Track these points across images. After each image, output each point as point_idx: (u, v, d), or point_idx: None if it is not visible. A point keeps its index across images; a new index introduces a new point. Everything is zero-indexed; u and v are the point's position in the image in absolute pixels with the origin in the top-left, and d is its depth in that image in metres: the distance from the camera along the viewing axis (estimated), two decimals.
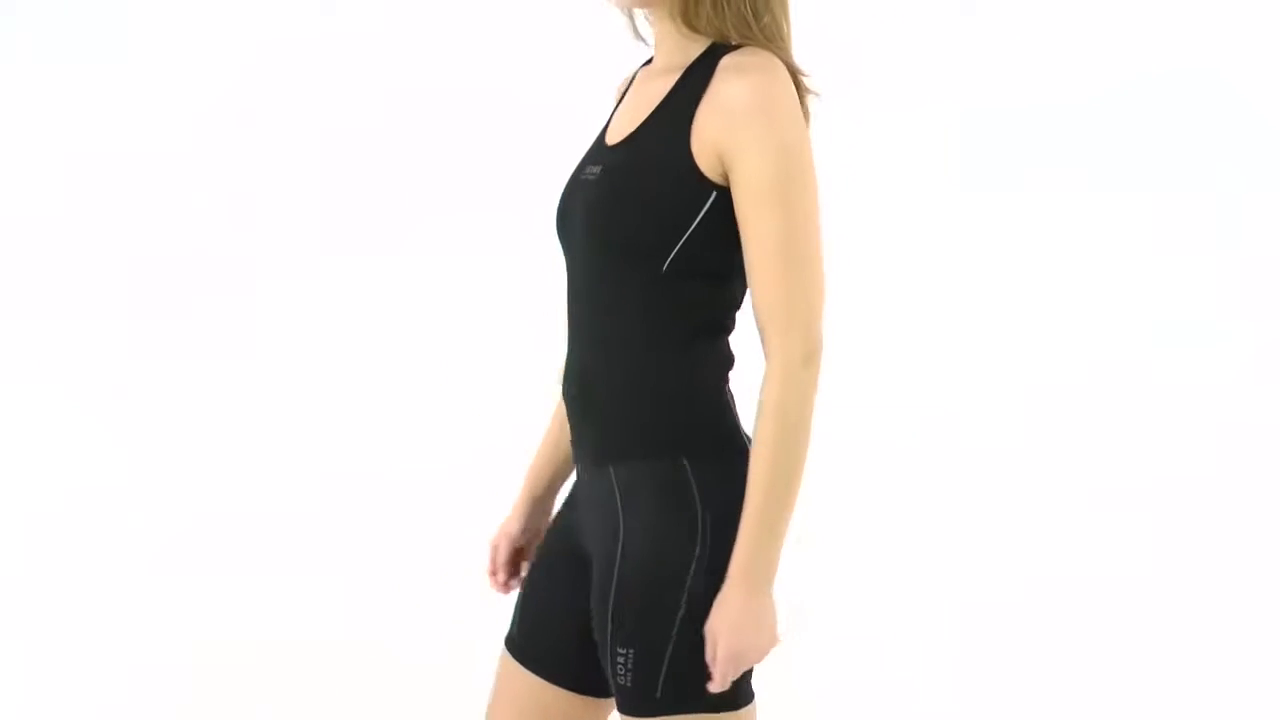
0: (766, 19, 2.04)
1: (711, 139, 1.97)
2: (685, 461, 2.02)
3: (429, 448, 3.94)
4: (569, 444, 2.20)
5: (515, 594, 2.33)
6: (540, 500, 2.35)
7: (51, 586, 3.77)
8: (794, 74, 2.03)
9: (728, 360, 2.09)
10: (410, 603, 3.70)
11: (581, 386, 2.10)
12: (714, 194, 1.97)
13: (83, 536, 3.87)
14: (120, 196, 4.18)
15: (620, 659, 2.01)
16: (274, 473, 3.95)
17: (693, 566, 1.98)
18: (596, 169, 2.08)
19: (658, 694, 2.00)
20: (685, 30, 2.05)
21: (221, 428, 4.03)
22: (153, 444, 4.02)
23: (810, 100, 2.04)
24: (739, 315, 2.09)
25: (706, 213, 1.98)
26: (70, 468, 3.97)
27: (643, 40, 2.18)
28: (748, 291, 2.03)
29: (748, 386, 2.06)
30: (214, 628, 3.66)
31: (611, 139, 2.11)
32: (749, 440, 2.03)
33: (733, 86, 1.98)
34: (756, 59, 1.99)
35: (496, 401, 3.89)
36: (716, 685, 1.96)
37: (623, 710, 2.05)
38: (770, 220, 1.95)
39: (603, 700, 2.21)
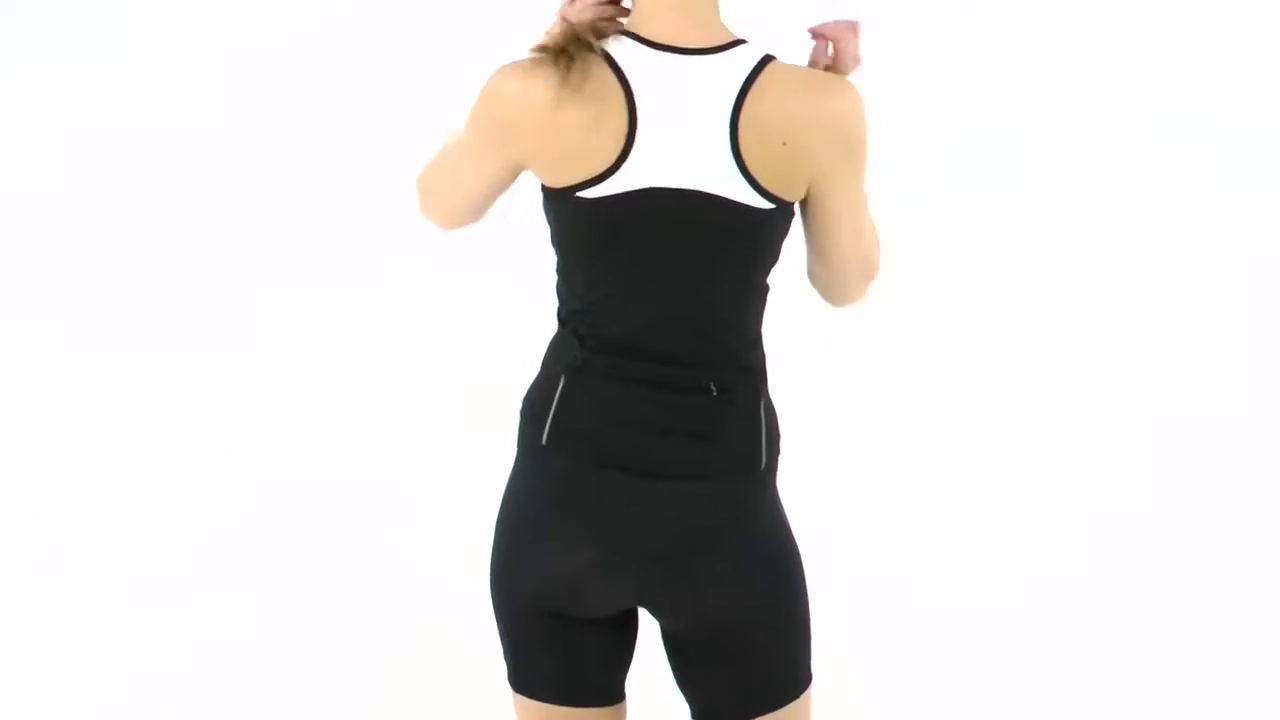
0: None
1: None
2: None
3: (428, 448, 3.94)
4: None
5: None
6: None
7: (50, 587, 3.77)
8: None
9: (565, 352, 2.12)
10: (408, 603, 3.70)
11: None
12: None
13: (81, 537, 3.87)
14: (120, 196, 4.18)
15: None
16: (273, 473, 3.95)
17: None
18: None
19: None
20: None
21: (221, 427, 4.03)
22: (151, 443, 4.02)
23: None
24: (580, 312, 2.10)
25: None
26: (69, 468, 3.96)
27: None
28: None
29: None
30: (213, 628, 3.66)
31: None
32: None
33: None
34: None
35: (496, 401, 3.88)
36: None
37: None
38: None
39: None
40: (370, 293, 4.09)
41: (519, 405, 2.15)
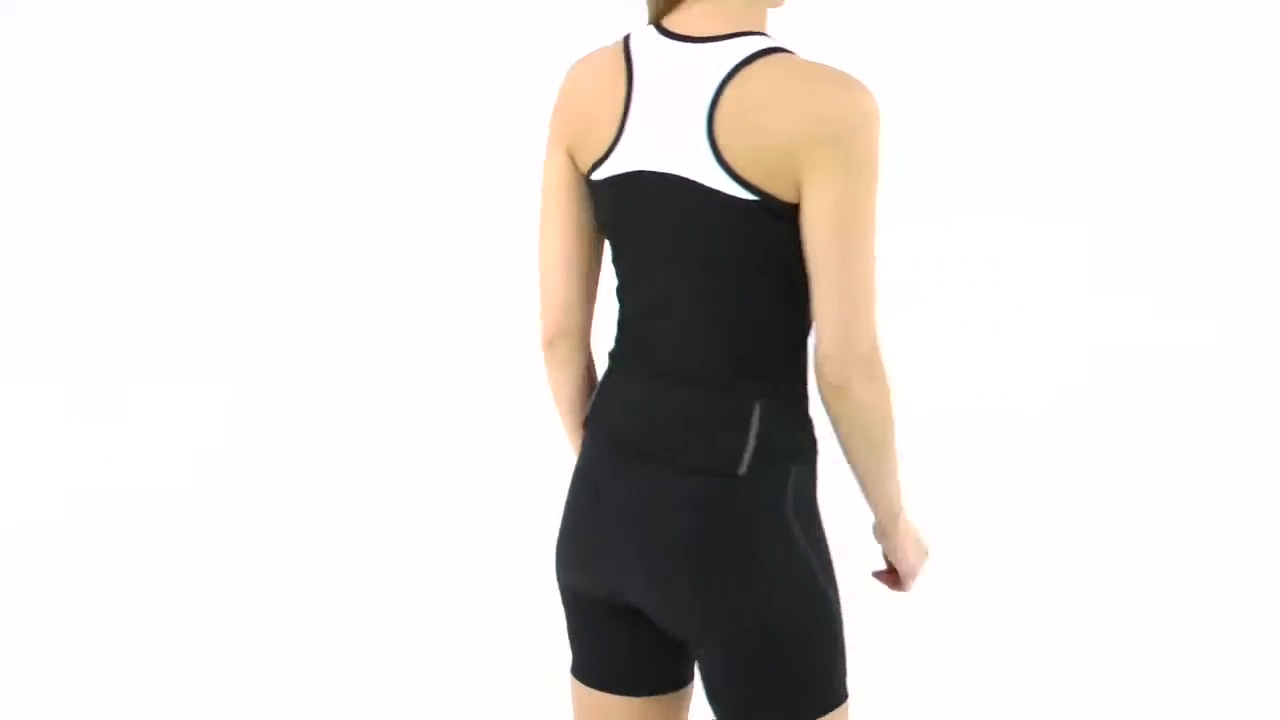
0: None
1: None
2: None
3: (427, 448, 3.94)
4: None
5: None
6: None
7: (50, 586, 3.77)
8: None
9: None
10: (408, 602, 3.70)
11: None
12: None
13: (81, 536, 3.87)
14: (119, 193, 4.17)
15: None
16: (272, 473, 3.95)
17: None
18: None
19: None
20: None
21: (219, 426, 4.03)
22: (150, 443, 4.02)
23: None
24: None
25: None
26: (68, 467, 3.96)
27: None
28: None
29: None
30: (213, 628, 3.66)
31: None
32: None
33: None
34: None
35: (492, 403, 3.88)
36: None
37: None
38: None
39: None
40: (368, 291, 4.08)
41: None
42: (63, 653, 3.52)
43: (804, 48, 3.96)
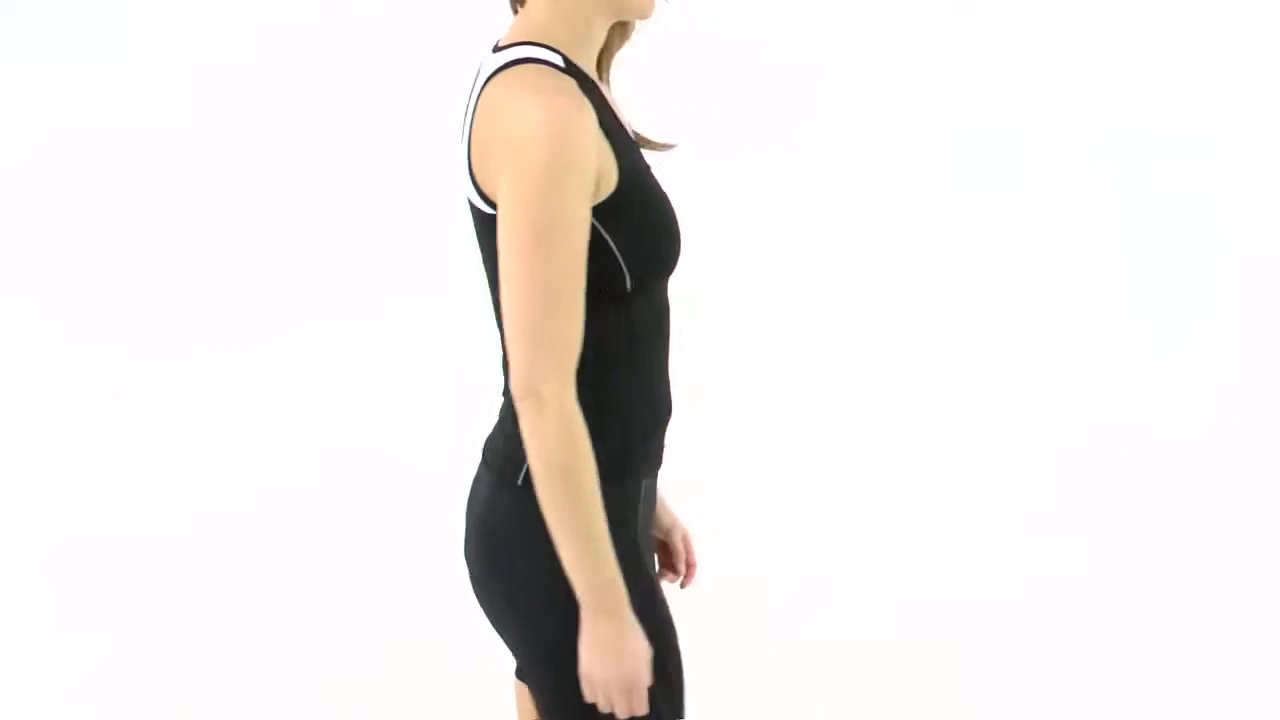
0: None
1: None
2: None
3: (427, 448, 3.94)
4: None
5: None
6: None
7: (49, 586, 3.77)
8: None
9: None
10: (407, 603, 3.70)
11: (669, 403, 2.14)
12: None
13: (80, 536, 3.87)
14: (119, 195, 4.18)
15: None
16: (271, 472, 3.95)
17: None
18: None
19: None
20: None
21: (220, 426, 4.03)
22: (150, 443, 4.02)
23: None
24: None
25: None
26: (68, 466, 3.96)
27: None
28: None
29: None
30: (212, 628, 3.66)
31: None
32: None
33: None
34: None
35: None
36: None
37: None
38: None
39: None
40: (368, 291, 4.09)
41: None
42: (62, 653, 3.52)
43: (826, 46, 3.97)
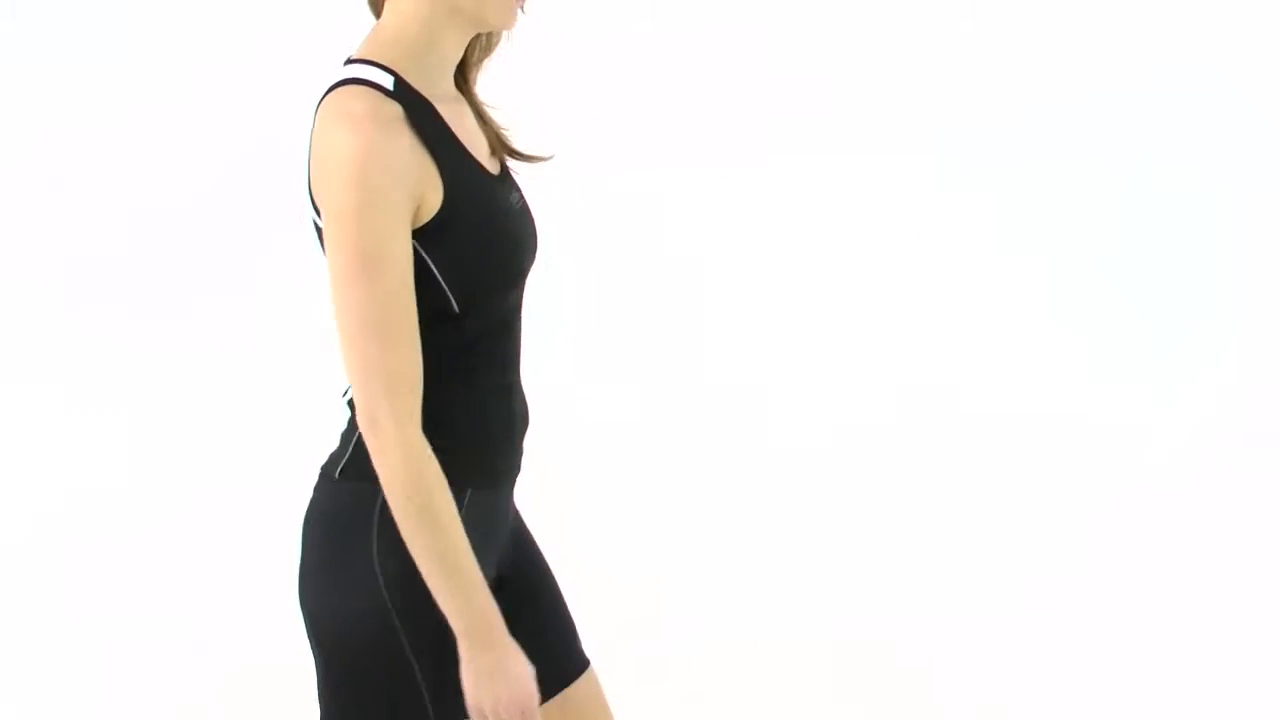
0: None
1: None
2: None
3: None
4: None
5: None
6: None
7: (49, 586, 3.77)
8: None
9: None
10: None
11: (524, 412, 2.12)
12: None
13: (81, 536, 3.87)
14: (119, 195, 4.18)
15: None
16: (272, 472, 3.95)
17: None
18: (517, 196, 2.08)
19: None
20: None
21: (220, 426, 4.03)
22: (150, 443, 4.02)
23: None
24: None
25: None
26: (67, 466, 3.97)
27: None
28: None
29: None
30: (212, 628, 3.66)
31: (491, 168, 2.05)
32: None
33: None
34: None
35: None
36: None
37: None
38: None
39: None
40: None
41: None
42: (62, 653, 3.52)
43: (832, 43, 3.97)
